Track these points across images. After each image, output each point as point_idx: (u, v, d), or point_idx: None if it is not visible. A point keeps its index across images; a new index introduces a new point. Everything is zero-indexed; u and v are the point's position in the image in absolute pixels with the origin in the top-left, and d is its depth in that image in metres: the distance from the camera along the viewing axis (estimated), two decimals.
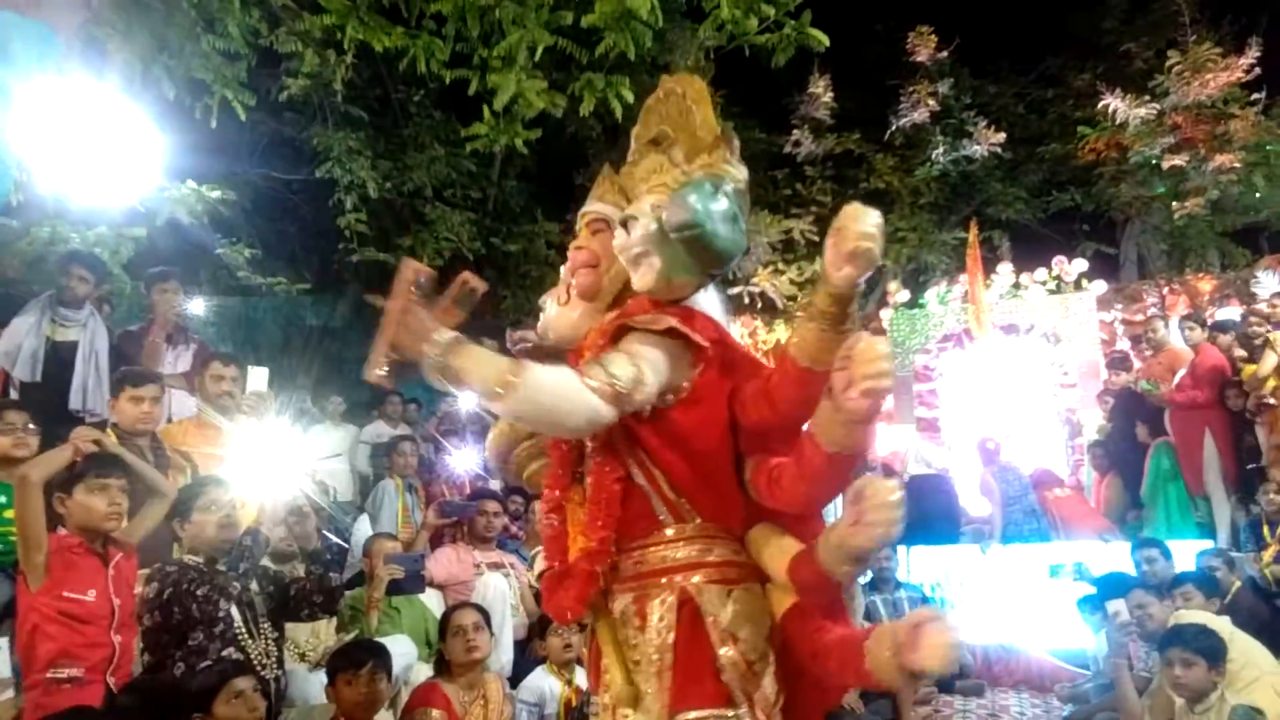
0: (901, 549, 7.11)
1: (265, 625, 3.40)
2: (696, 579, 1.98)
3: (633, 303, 2.09)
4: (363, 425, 8.37)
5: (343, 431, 8.12)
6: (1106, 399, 8.48)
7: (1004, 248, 11.11)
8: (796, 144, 12.22)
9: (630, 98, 6.47)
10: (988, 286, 9.78)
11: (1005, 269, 10.08)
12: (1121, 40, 12.38)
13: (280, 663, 3.42)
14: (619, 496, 2.00)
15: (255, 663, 3.23)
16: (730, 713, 1.90)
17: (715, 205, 1.94)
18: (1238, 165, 10.13)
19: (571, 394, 1.82)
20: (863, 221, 1.65)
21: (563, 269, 2.33)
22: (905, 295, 10.51)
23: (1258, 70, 10.32)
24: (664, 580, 1.99)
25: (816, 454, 1.77)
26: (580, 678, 4.30)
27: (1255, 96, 10.42)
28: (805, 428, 1.84)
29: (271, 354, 9.03)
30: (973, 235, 10.07)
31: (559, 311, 2.25)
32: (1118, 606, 4.35)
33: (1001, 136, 11.78)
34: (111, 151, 5.31)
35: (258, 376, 4.62)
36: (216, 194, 6.75)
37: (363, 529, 6.28)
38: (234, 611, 3.29)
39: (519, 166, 10.60)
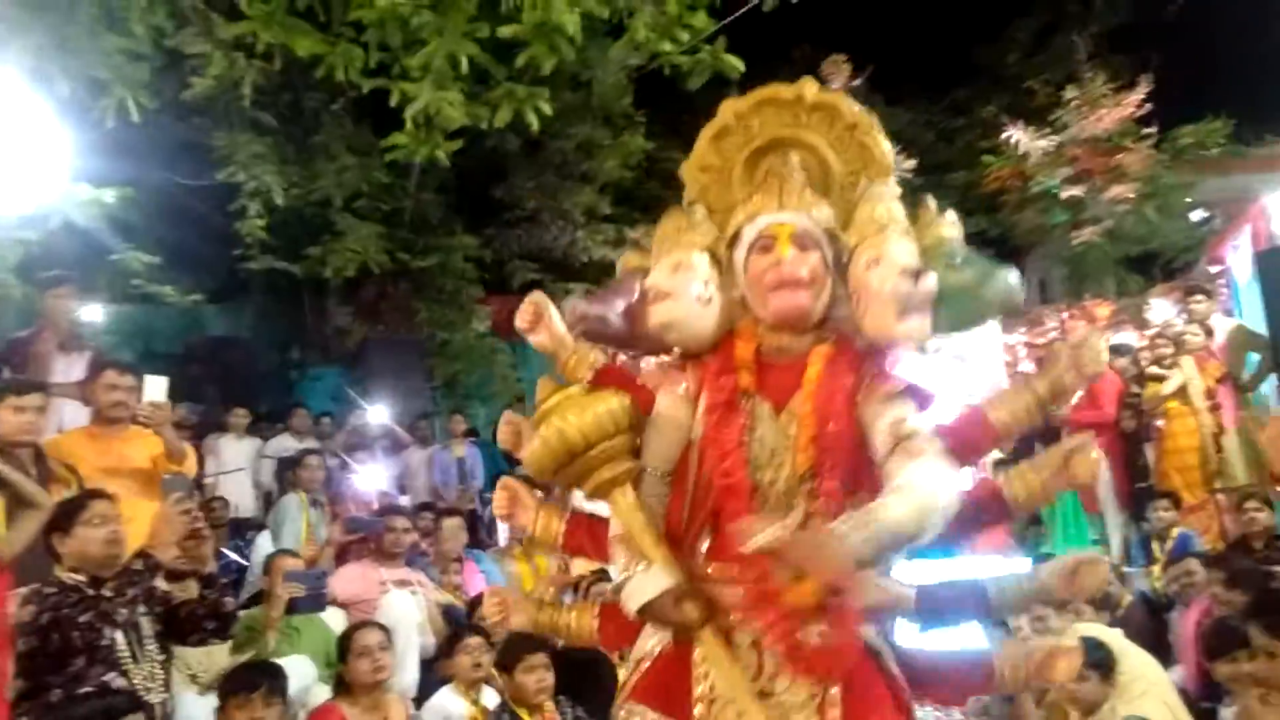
0: None
1: (151, 648, 3.24)
2: None
3: (840, 338, 2.06)
4: (268, 438, 8.13)
5: (246, 444, 7.88)
6: None
7: None
8: None
9: (549, 111, 6.43)
10: None
11: None
12: (1024, 74, 12.90)
13: (167, 685, 3.27)
14: None
15: (139, 688, 3.08)
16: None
17: None
18: (1131, 196, 10.61)
19: (946, 494, 1.87)
20: (1101, 352, 2.03)
21: (685, 259, 2.10)
22: None
23: (1149, 106, 10.84)
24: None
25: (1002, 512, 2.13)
26: (487, 697, 4.22)
27: (1147, 131, 10.93)
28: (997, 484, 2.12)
29: (172, 364, 8.69)
30: None
31: (698, 312, 2.07)
32: (1019, 620, 4.45)
33: (912, 163, 12.10)
34: (4, 151, 5.08)
35: (155, 386, 4.43)
36: (114, 197, 6.48)
37: (263, 546, 6.08)
38: (118, 636, 3.12)
39: (437, 179, 10.46)
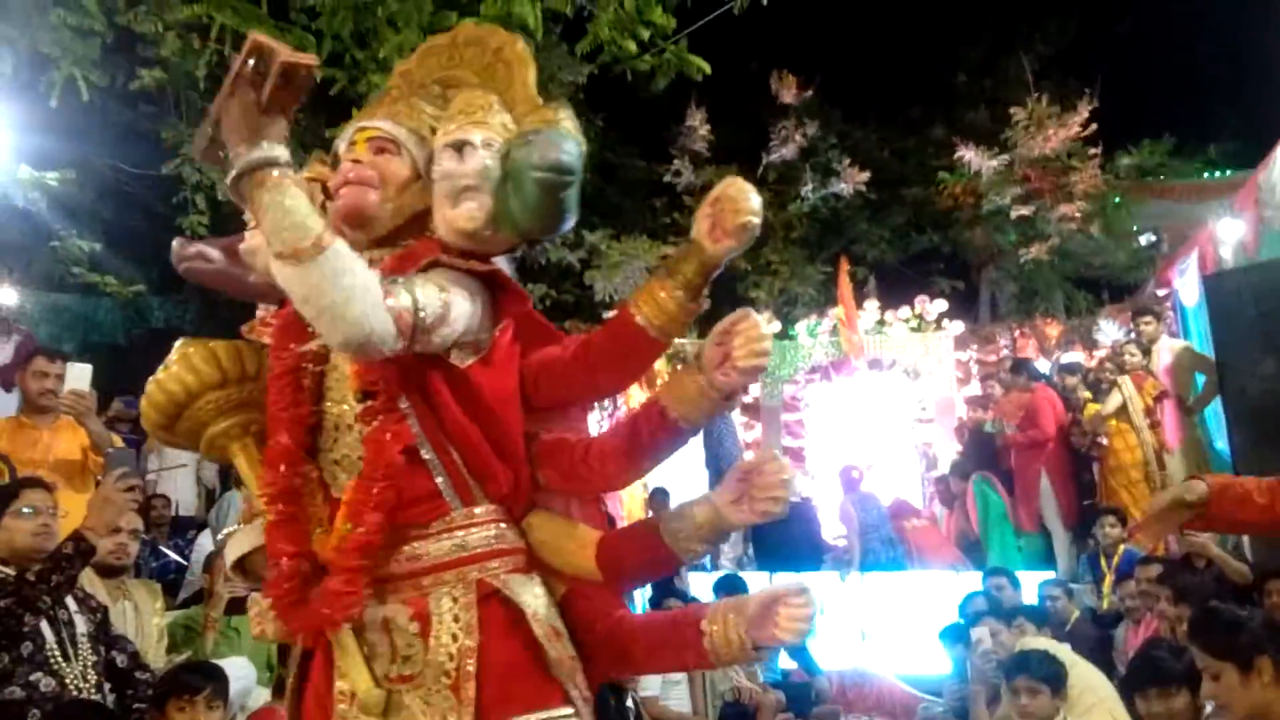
0: (764, 575, 7.18)
1: (85, 647, 3.07)
2: (495, 566, 1.75)
3: (421, 244, 1.83)
4: None
5: None
6: (964, 434, 8.84)
7: (870, 285, 11.49)
8: (677, 174, 12.29)
9: None
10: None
11: (871, 305, 10.41)
12: (973, 94, 13.11)
13: (99, 688, 3.10)
14: (403, 471, 1.69)
15: (70, 687, 2.92)
16: (568, 711, 1.73)
17: (579, 162, 1.79)
18: (1078, 215, 10.78)
19: (370, 301, 1.54)
20: (749, 196, 1.62)
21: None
22: (776, 326, 10.69)
23: (1094, 126, 11.04)
24: (453, 574, 1.73)
25: (663, 426, 1.71)
26: None
27: (1093, 152, 11.12)
28: (653, 398, 1.74)
29: (113, 356, 8.40)
30: (844, 269, 10.39)
31: None
32: (980, 634, 4.45)
33: (866, 176, 12.19)
34: None
35: (79, 374, 4.24)
36: (57, 179, 6.25)
37: (204, 545, 5.90)
38: (46, 630, 2.95)
39: None
